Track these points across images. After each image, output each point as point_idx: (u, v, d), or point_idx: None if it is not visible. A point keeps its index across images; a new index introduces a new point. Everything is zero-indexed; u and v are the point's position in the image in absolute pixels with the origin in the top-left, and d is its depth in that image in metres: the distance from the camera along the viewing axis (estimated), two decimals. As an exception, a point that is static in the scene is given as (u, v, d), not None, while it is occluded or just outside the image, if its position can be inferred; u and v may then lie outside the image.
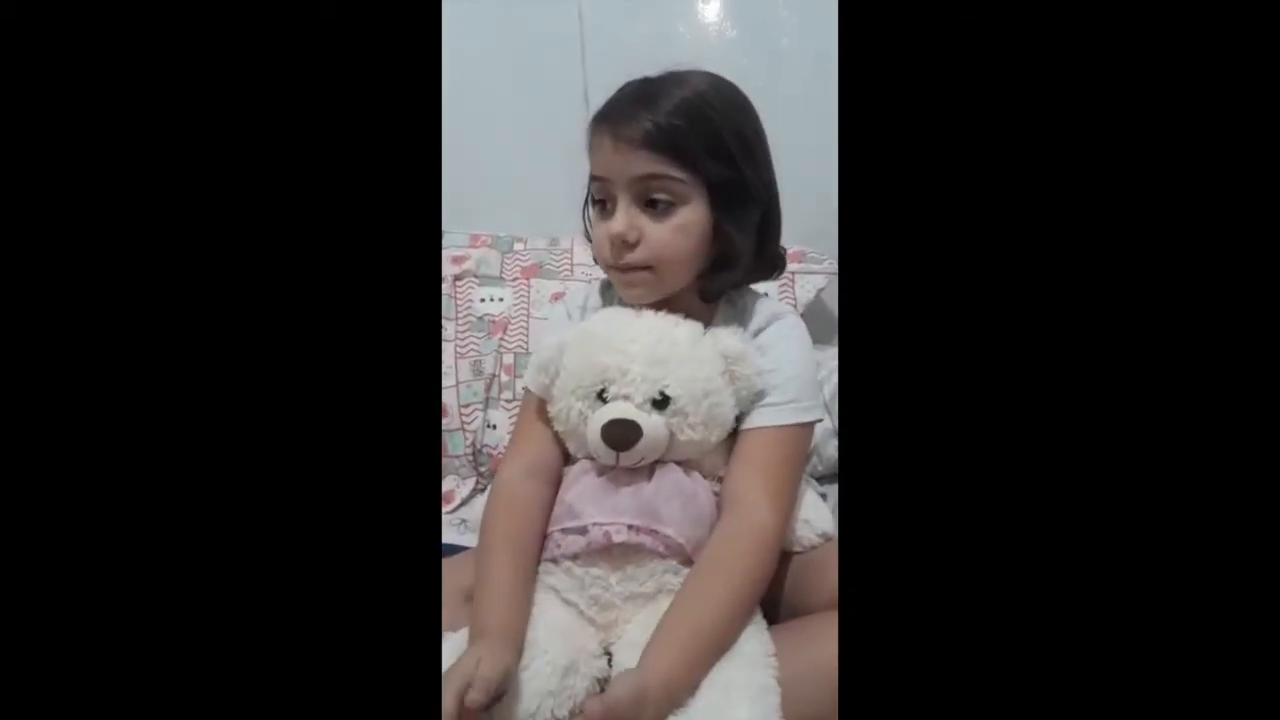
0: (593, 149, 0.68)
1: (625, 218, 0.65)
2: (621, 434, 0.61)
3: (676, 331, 0.66)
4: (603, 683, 0.58)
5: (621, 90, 0.68)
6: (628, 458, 0.62)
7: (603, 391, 0.64)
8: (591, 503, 0.63)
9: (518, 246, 1.21)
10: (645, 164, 0.64)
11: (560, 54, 1.24)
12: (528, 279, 1.17)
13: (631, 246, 0.66)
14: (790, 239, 1.17)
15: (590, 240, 0.75)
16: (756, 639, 0.57)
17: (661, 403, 0.62)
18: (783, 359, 0.68)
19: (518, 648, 0.56)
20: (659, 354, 0.63)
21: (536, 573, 0.64)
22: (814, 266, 1.16)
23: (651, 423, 0.62)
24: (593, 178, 0.68)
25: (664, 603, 0.59)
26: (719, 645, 0.56)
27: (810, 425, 0.68)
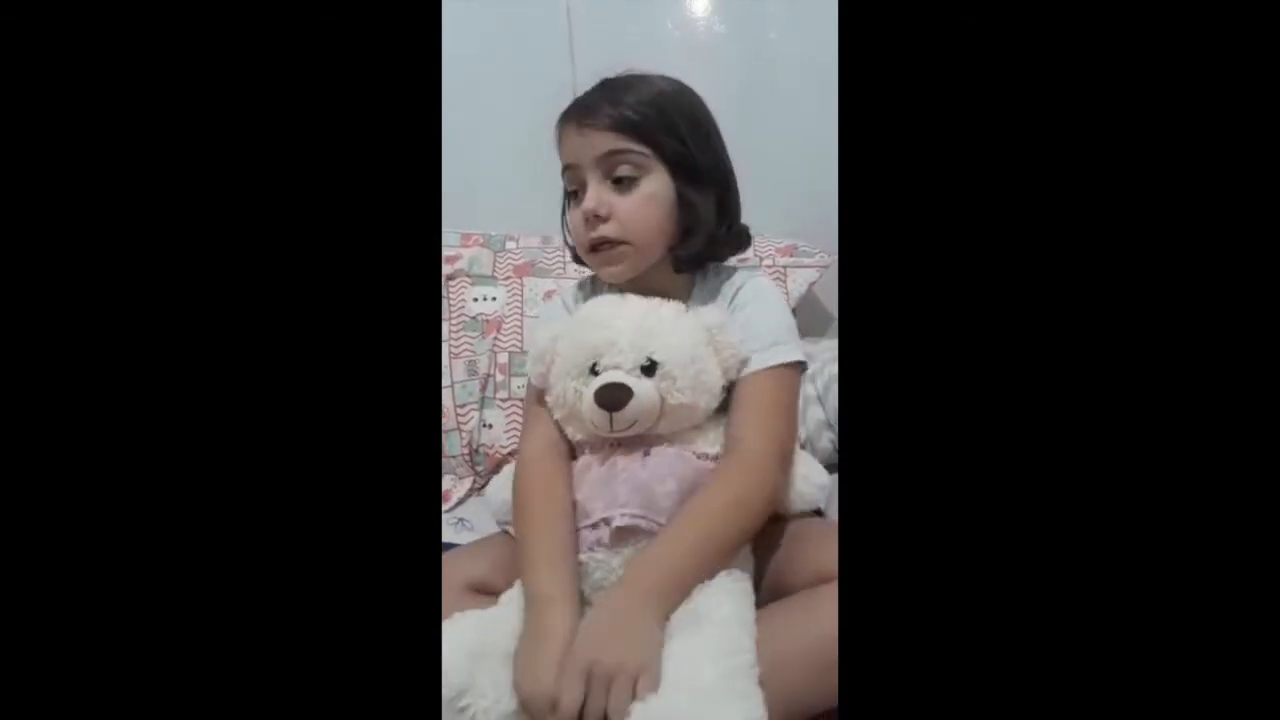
0: (561, 141, 0.74)
1: (594, 194, 0.71)
2: (613, 395, 0.64)
3: (661, 309, 0.70)
4: None
5: (586, 92, 0.74)
6: (621, 420, 0.65)
7: (594, 366, 0.67)
8: (596, 498, 0.65)
9: (510, 245, 1.21)
10: (608, 142, 0.70)
11: (549, 52, 1.25)
12: (520, 277, 1.17)
13: (603, 220, 0.71)
14: (783, 233, 1.18)
15: (568, 238, 0.80)
16: (730, 604, 0.57)
17: (650, 368, 0.66)
18: (756, 312, 0.73)
19: (579, 612, 0.59)
20: (645, 326, 0.67)
21: (576, 538, 0.65)
22: (806, 260, 1.16)
23: (642, 386, 0.65)
24: (564, 169, 0.74)
25: None
26: (712, 552, 0.60)
27: (795, 366, 0.72)
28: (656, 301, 0.71)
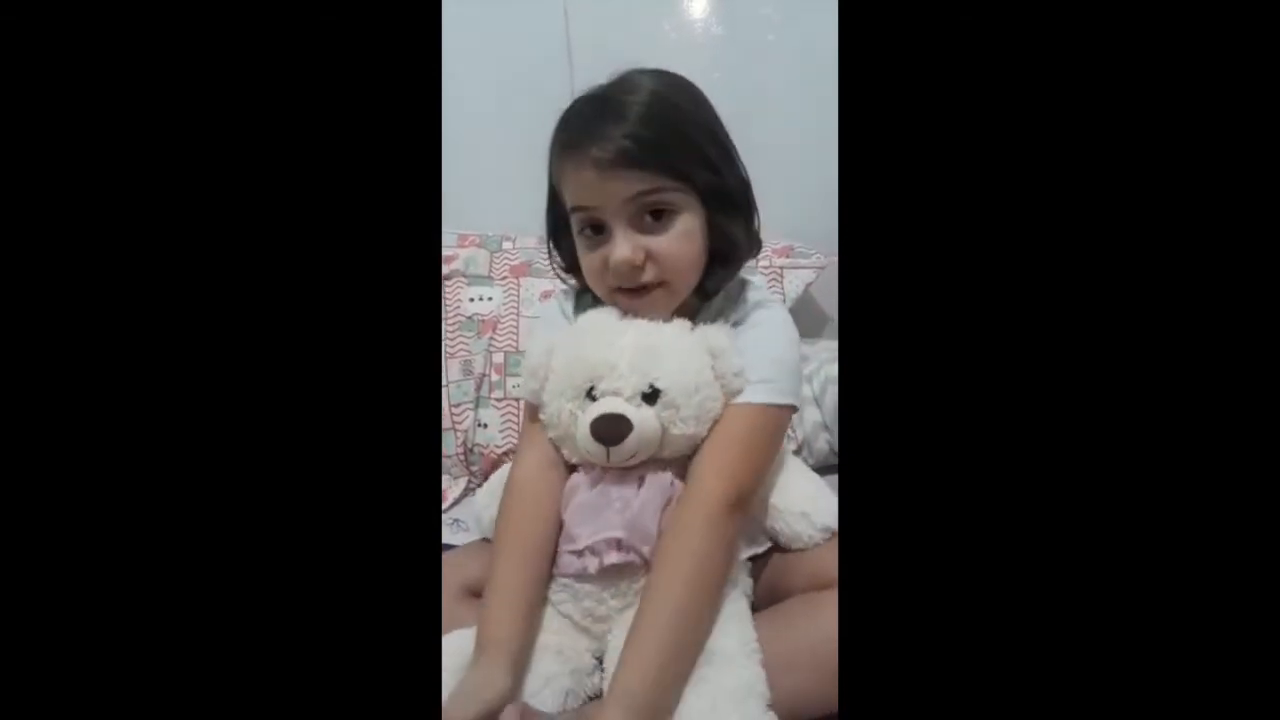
0: (568, 179, 0.65)
1: (628, 242, 0.63)
2: (611, 428, 0.60)
3: (665, 327, 0.65)
4: (596, 697, 0.59)
5: (575, 110, 0.66)
6: (619, 453, 0.61)
7: (591, 390, 0.62)
8: (584, 523, 0.62)
9: (506, 245, 1.21)
10: (637, 183, 0.61)
11: (546, 53, 1.24)
12: (517, 277, 1.17)
13: (641, 268, 0.64)
14: (778, 234, 1.18)
15: (562, 268, 0.74)
16: (735, 633, 0.57)
17: (651, 396, 0.61)
18: (757, 341, 0.67)
19: (518, 661, 0.57)
20: (649, 348, 0.62)
21: (549, 572, 0.63)
22: (802, 261, 1.16)
23: (642, 416, 0.60)
24: (575, 208, 0.65)
25: None
26: (689, 633, 0.55)
27: (784, 409, 0.66)
28: (660, 320, 0.66)
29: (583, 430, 0.61)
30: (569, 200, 0.66)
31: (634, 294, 0.65)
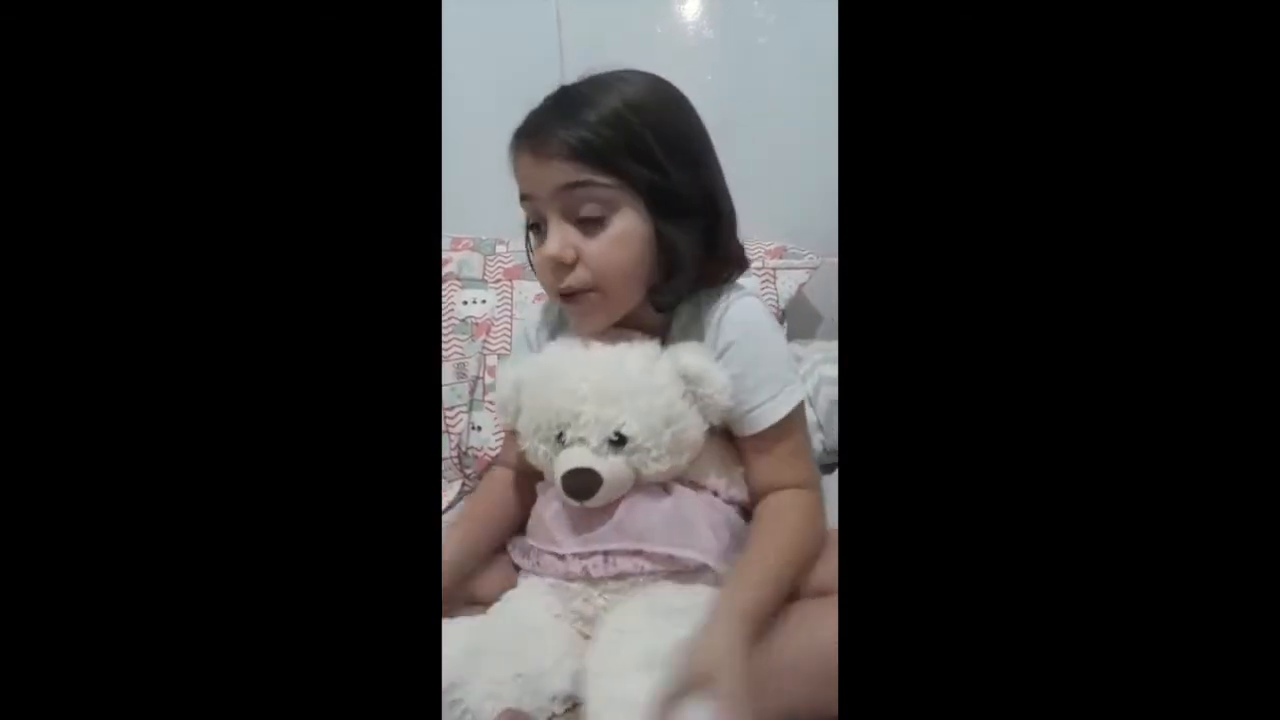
0: (515, 167, 0.64)
1: (558, 236, 0.61)
2: (580, 485, 0.60)
3: (628, 359, 0.62)
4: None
5: (542, 103, 0.65)
6: (592, 504, 0.61)
7: (561, 434, 0.62)
8: (568, 530, 0.62)
9: (500, 249, 1.22)
10: (566, 173, 0.60)
11: (538, 56, 1.25)
12: (510, 281, 1.18)
13: (570, 267, 0.62)
14: (772, 235, 1.19)
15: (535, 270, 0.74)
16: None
17: (619, 442, 0.60)
18: (751, 355, 0.65)
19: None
20: (611, 391, 0.60)
21: (503, 534, 0.70)
22: (795, 262, 1.17)
23: (611, 465, 0.60)
24: (521, 199, 0.65)
25: (639, 591, 0.60)
26: (786, 581, 0.59)
27: (801, 401, 0.67)
28: (623, 347, 0.63)
29: (558, 474, 0.61)
30: (518, 188, 0.65)
31: (568, 299, 0.64)
